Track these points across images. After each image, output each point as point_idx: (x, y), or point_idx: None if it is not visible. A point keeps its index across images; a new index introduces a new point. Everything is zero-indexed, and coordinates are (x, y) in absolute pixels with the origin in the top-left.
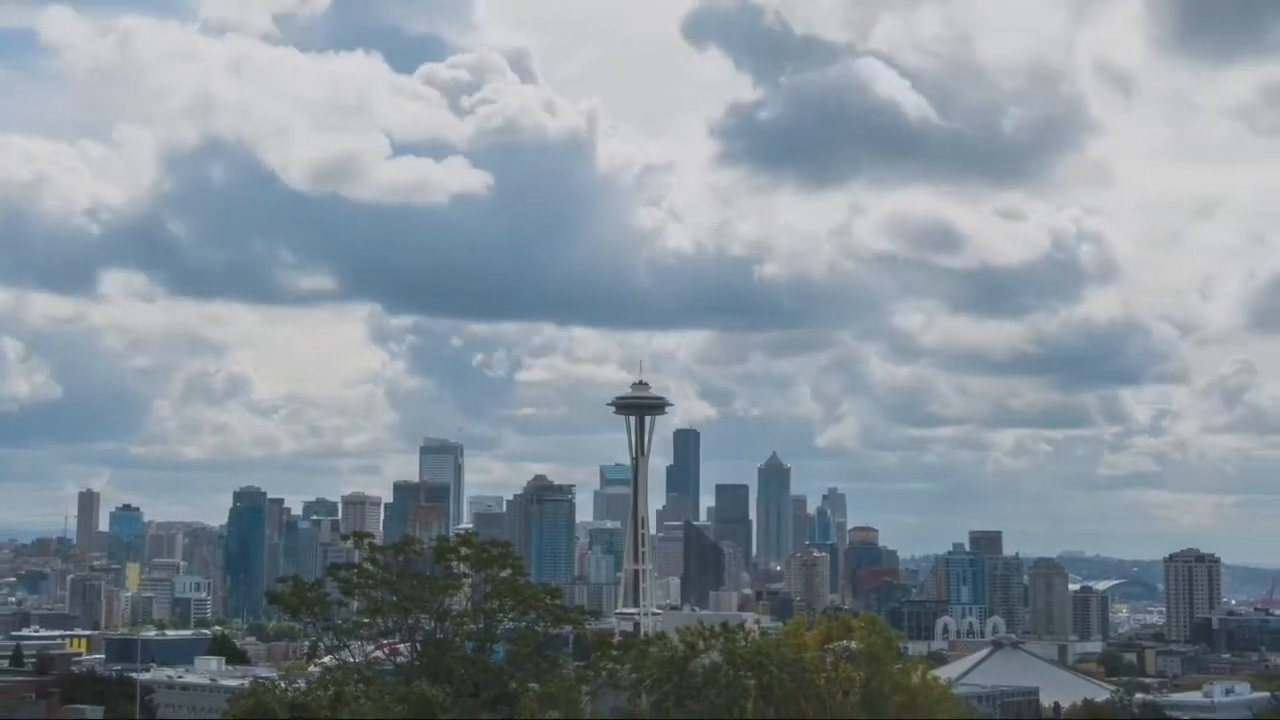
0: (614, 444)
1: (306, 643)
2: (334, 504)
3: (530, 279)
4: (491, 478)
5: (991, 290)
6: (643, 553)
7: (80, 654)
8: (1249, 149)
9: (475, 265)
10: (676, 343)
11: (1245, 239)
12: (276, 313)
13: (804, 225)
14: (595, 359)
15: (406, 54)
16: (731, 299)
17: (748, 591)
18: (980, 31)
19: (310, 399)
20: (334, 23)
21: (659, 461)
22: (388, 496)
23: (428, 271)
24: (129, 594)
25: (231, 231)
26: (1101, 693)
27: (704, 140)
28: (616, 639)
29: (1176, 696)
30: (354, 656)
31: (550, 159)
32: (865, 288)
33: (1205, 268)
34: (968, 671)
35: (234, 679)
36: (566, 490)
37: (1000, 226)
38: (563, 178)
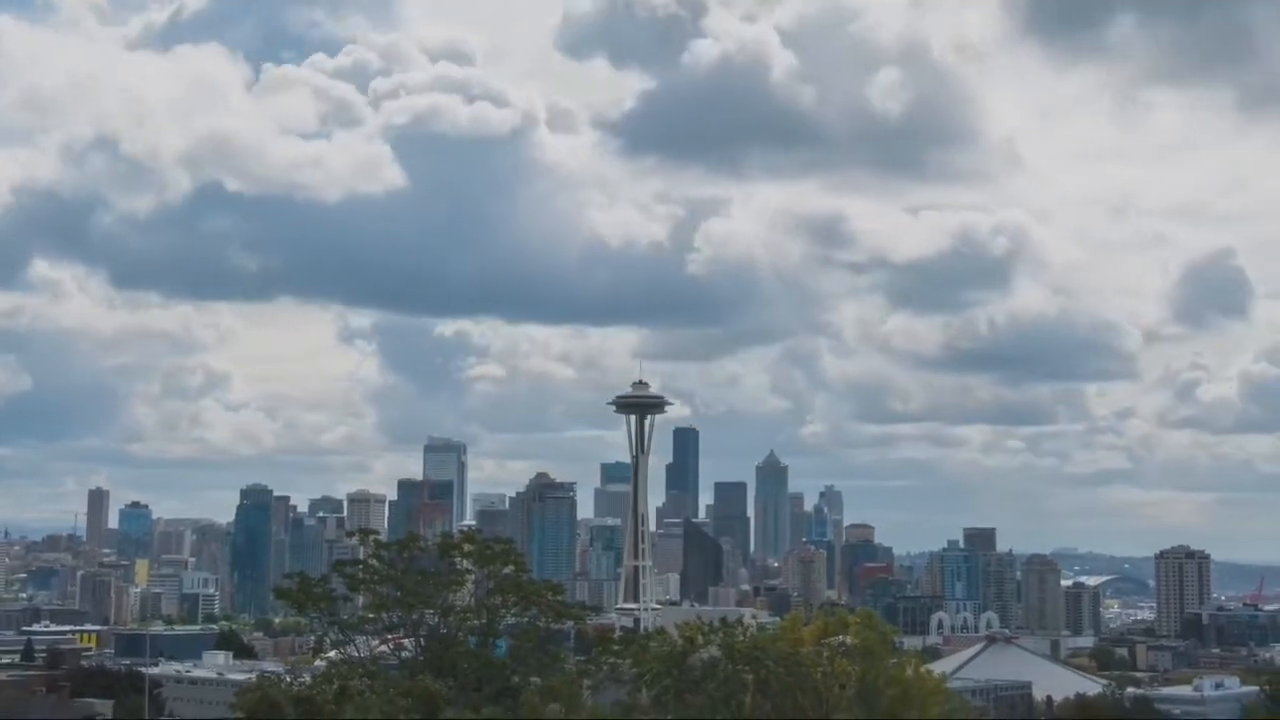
0: (585, 441)
1: (312, 637)
2: (339, 501)
3: (476, 275)
4: (482, 474)
5: (919, 286)
6: (643, 549)
7: (90, 649)
8: (1137, 142)
9: (424, 262)
10: (625, 339)
11: (1156, 232)
12: (237, 310)
13: (725, 219)
14: (553, 357)
15: (302, 49)
16: (666, 295)
17: (746, 587)
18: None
19: (287, 397)
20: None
21: (656, 460)
22: (392, 494)
23: (376, 268)
24: (138, 590)
25: (181, 231)
26: (1093, 687)
27: (612, 135)
28: (617, 634)
29: (1167, 690)
30: (359, 651)
31: (480, 155)
32: (797, 283)
33: (1125, 262)
34: (962, 666)
35: (241, 673)
36: (568, 488)
37: (916, 221)
38: (489, 173)
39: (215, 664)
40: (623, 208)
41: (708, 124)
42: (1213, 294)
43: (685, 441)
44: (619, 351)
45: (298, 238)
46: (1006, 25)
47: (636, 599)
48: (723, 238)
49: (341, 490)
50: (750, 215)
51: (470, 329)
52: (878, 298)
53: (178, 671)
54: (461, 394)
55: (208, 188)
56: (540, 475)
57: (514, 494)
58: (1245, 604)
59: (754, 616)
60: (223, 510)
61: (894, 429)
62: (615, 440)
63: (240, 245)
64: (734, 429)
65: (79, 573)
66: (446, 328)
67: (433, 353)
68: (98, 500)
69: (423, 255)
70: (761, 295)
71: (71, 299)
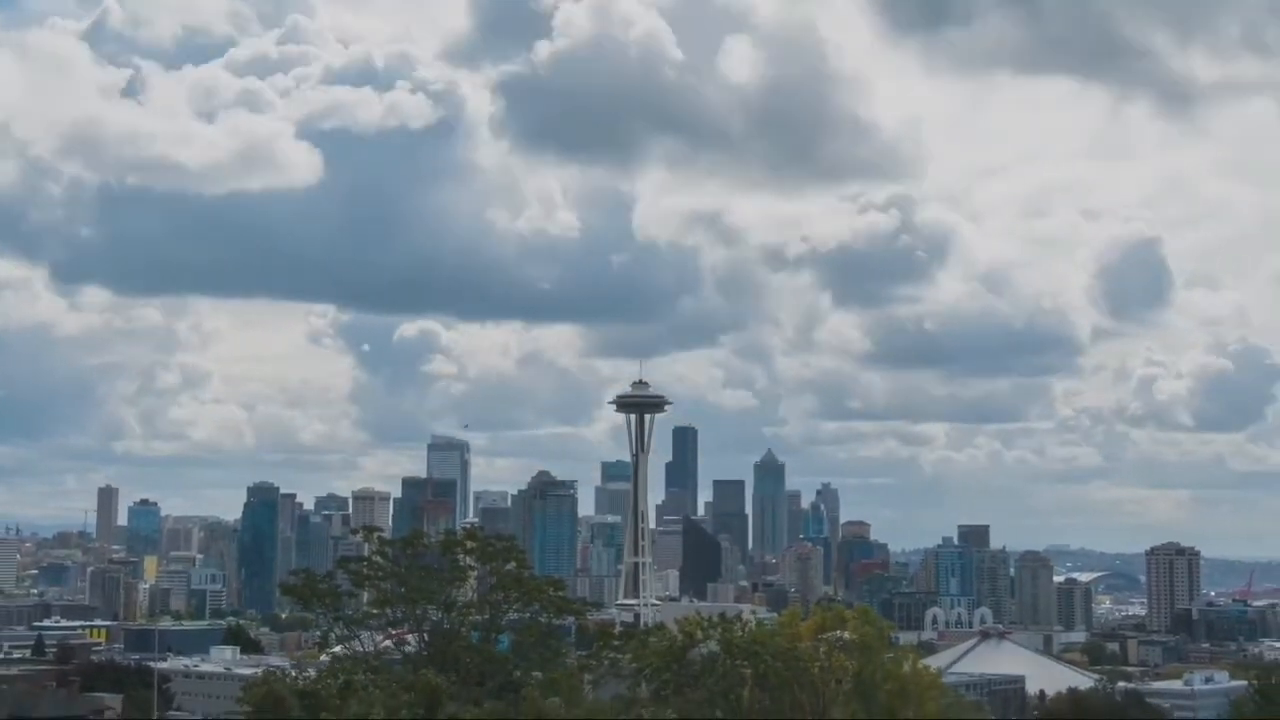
0: (558, 438)
1: (318, 633)
2: (344, 499)
3: (403, 271)
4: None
5: (855, 280)
6: (642, 546)
7: (100, 644)
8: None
9: (339, 258)
10: (564, 336)
11: (1070, 226)
12: (202, 307)
13: (633, 215)
14: (511, 354)
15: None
16: (593, 291)
17: (744, 584)
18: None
19: (266, 396)
20: None
21: (656, 458)
22: (396, 492)
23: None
24: (147, 586)
25: (143, 230)
26: (1085, 681)
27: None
28: (617, 629)
29: (1158, 684)
30: (363, 646)
31: (388, 150)
32: (729, 278)
33: (1049, 257)
34: (956, 660)
35: (248, 668)
36: (569, 486)
37: (832, 215)
38: (400, 170)
39: (223, 659)
40: (525, 203)
41: (602, 118)
42: (1143, 288)
43: (685, 440)
44: (563, 348)
45: (238, 234)
46: (876, 19)
47: (637, 595)
48: (638, 233)
49: (330, 487)
50: (661, 210)
51: (430, 328)
52: (812, 293)
53: (186, 666)
54: (436, 392)
55: (144, 185)
56: (542, 473)
57: (516, 492)
58: (1235, 600)
59: (753, 612)
60: (215, 506)
61: (856, 426)
62: (588, 435)
63: (207, 242)
64: (702, 426)
65: (89, 569)
66: (409, 326)
67: (400, 351)
68: (107, 498)
69: (338, 250)
70: (690, 291)
71: (20, 296)
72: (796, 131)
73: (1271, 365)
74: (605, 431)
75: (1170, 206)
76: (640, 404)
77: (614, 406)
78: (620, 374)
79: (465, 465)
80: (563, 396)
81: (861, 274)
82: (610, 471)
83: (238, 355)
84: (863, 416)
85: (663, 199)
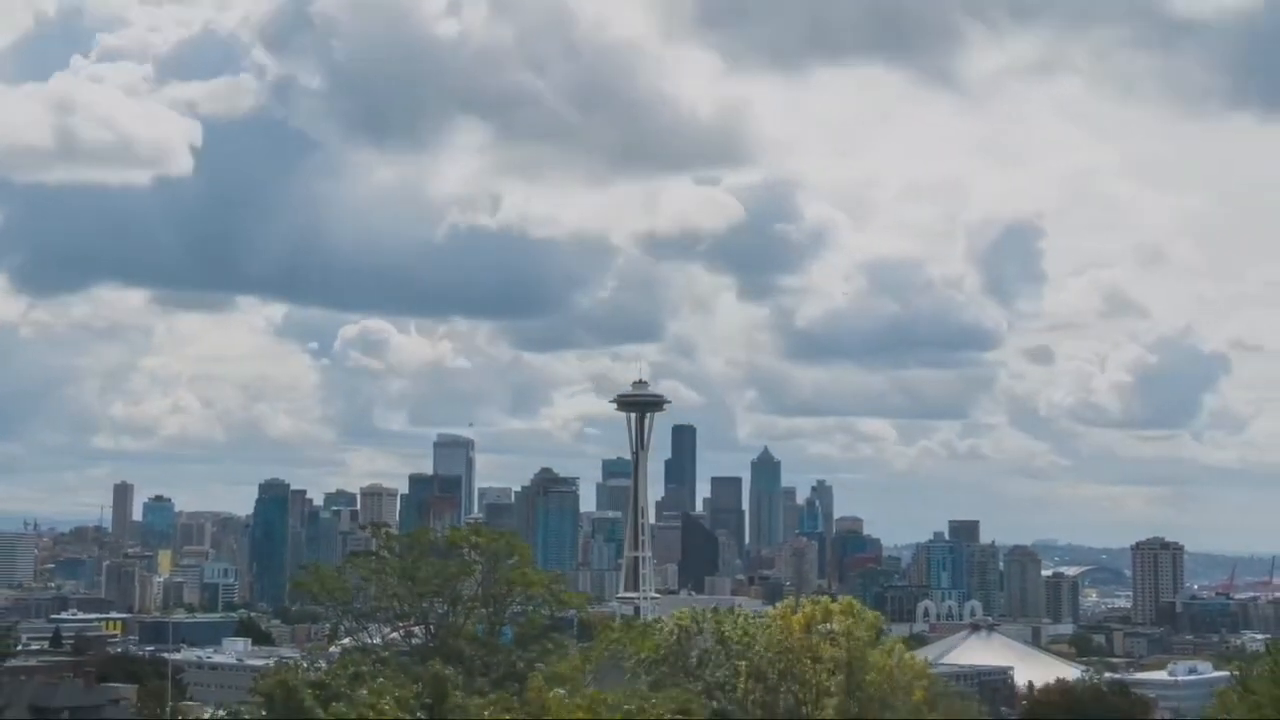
0: (521, 434)
1: (327, 625)
2: (353, 495)
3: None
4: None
5: (739, 270)
6: (642, 541)
7: (115, 636)
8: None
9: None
10: (484, 331)
11: (947, 213)
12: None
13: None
14: (448, 352)
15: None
16: (484, 287)
17: (741, 577)
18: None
19: (237, 394)
20: None
21: (655, 456)
22: (403, 488)
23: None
24: (161, 579)
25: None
26: (1072, 672)
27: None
28: (617, 622)
29: (1142, 675)
30: (372, 638)
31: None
32: (631, 273)
33: (938, 250)
34: (947, 652)
35: (259, 659)
36: (571, 482)
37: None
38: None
39: (235, 650)
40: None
41: (418, 107)
42: (1022, 277)
43: (683, 438)
44: (483, 341)
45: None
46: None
47: (636, 588)
48: (505, 227)
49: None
50: (518, 199)
51: (371, 326)
52: (711, 284)
53: (199, 658)
54: (376, 390)
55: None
56: (544, 470)
57: (519, 488)
58: (1217, 593)
59: (741, 606)
60: (219, 502)
61: (794, 423)
62: (550, 430)
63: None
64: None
65: (105, 563)
66: (352, 327)
67: (344, 348)
68: (123, 494)
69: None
70: (589, 285)
71: None
72: (623, 120)
73: (1210, 355)
74: (562, 424)
75: (1046, 192)
76: (640, 403)
77: (614, 405)
78: (548, 368)
79: (470, 462)
80: (515, 391)
81: (751, 264)
82: (611, 468)
83: (202, 355)
84: (801, 412)
85: (509, 188)
